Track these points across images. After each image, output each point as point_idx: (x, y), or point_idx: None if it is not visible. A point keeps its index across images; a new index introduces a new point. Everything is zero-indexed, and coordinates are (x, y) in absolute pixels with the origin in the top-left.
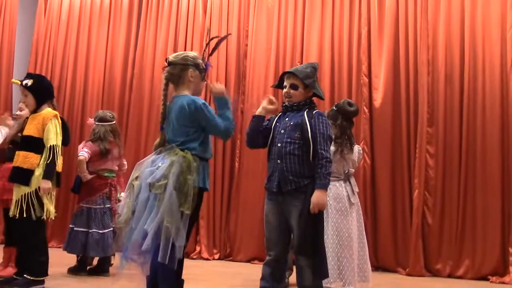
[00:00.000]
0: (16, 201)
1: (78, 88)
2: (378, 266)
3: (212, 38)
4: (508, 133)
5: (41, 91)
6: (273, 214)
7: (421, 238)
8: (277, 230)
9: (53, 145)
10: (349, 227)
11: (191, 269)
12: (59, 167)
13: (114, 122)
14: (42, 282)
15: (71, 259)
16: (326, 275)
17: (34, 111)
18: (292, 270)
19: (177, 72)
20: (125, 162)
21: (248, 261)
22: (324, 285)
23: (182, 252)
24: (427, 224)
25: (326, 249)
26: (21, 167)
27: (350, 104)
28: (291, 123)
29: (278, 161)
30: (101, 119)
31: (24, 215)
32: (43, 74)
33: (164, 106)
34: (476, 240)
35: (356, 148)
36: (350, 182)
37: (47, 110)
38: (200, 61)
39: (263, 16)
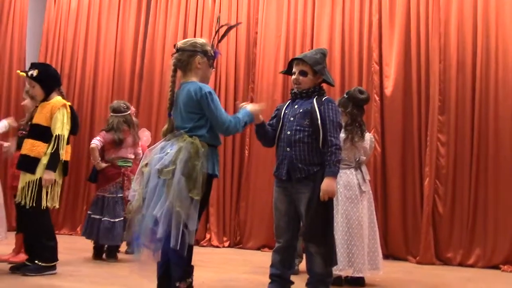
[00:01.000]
0: (21, 188)
1: (88, 77)
2: (388, 254)
3: (222, 26)
4: None
5: (47, 80)
6: (282, 202)
7: (432, 227)
8: (286, 217)
9: (58, 134)
10: (359, 215)
11: (201, 256)
12: (66, 156)
13: (128, 112)
14: (54, 267)
15: (84, 245)
16: (335, 263)
17: (44, 99)
18: (302, 258)
19: (185, 58)
20: (140, 151)
21: (258, 248)
22: (334, 272)
23: (193, 238)
24: (437, 212)
25: (336, 237)
26: (28, 155)
27: (361, 92)
28: (300, 110)
29: (288, 148)
30: (115, 110)
31: (29, 202)
32: (53, 63)
33: (172, 92)
34: (487, 228)
35: (368, 136)
36: (361, 170)
37: (56, 99)
38: (208, 48)
39: (273, 3)
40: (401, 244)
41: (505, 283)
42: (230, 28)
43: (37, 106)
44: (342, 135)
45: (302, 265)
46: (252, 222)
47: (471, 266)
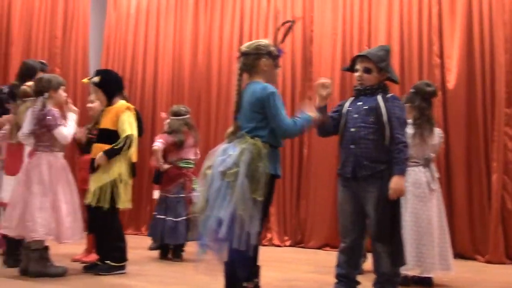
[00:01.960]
0: (94, 190)
1: (148, 81)
2: (455, 253)
3: (284, 23)
4: None
5: (109, 85)
6: (348, 201)
7: (501, 224)
8: (352, 217)
9: (128, 135)
10: (429, 213)
11: (263, 255)
12: (133, 157)
13: (188, 116)
14: (123, 267)
15: (149, 245)
16: (403, 262)
17: (108, 105)
18: (366, 257)
19: (251, 62)
20: (198, 152)
21: (320, 247)
22: (401, 272)
23: (258, 238)
24: (506, 209)
25: (404, 236)
26: None
27: (428, 85)
28: (365, 107)
29: (352, 146)
30: (175, 114)
31: (104, 204)
32: (115, 69)
33: (239, 95)
34: None
35: (436, 131)
36: (430, 168)
37: (120, 103)
38: (272, 48)
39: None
40: (468, 242)
41: None
42: (292, 24)
43: (102, 111)
44: (410, 131)
45: (366, 265)
46: (313, 221)
47: None
